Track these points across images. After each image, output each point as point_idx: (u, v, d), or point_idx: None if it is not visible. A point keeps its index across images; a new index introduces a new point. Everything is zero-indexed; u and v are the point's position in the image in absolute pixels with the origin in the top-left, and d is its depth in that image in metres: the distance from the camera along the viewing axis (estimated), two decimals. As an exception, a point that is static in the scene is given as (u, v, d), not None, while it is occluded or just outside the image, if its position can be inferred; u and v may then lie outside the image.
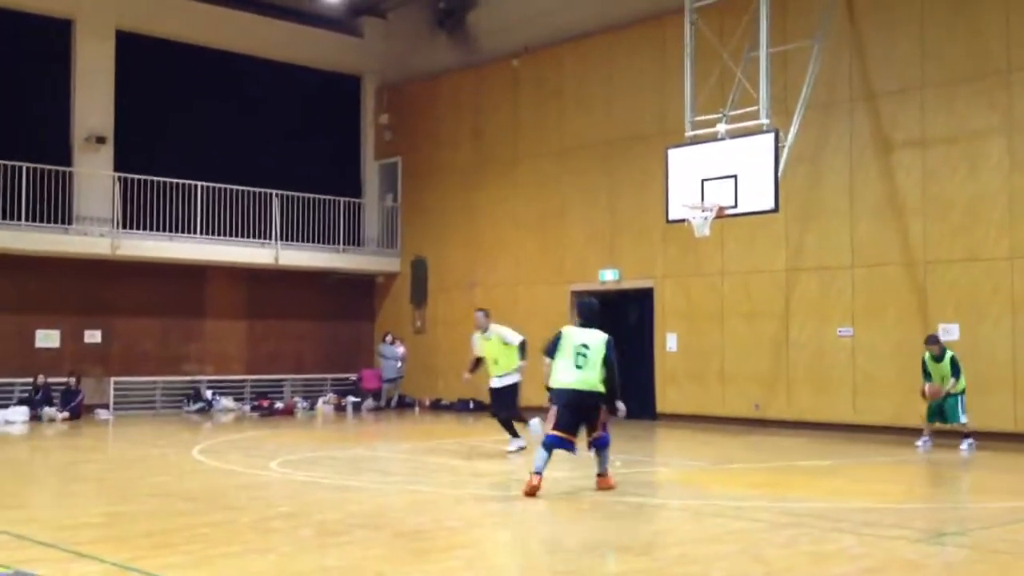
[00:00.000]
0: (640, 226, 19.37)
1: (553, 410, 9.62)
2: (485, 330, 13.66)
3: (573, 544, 7.37)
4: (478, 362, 13.80)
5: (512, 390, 13.50)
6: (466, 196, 22.97)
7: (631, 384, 19.44)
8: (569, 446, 9.56)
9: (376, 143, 25.30)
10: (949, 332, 15.32)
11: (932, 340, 14.32)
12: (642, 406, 19.10)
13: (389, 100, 25.04)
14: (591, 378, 9.62)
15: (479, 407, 21.84)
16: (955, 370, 14.03)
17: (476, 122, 22.96)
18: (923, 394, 14.22)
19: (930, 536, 7.70)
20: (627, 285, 19.84)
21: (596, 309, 10.22)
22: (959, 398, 14.10)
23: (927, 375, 14.22)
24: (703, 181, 14.95)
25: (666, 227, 17.05)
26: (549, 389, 9.74)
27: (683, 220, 15.27)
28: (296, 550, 7.04)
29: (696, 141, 15.52)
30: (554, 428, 9.48)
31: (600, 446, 9.78)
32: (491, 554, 6.92)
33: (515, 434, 13.46)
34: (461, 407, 22.05)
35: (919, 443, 14.19)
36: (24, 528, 7.67)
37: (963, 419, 14.07)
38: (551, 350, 9.80)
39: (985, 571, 6.40)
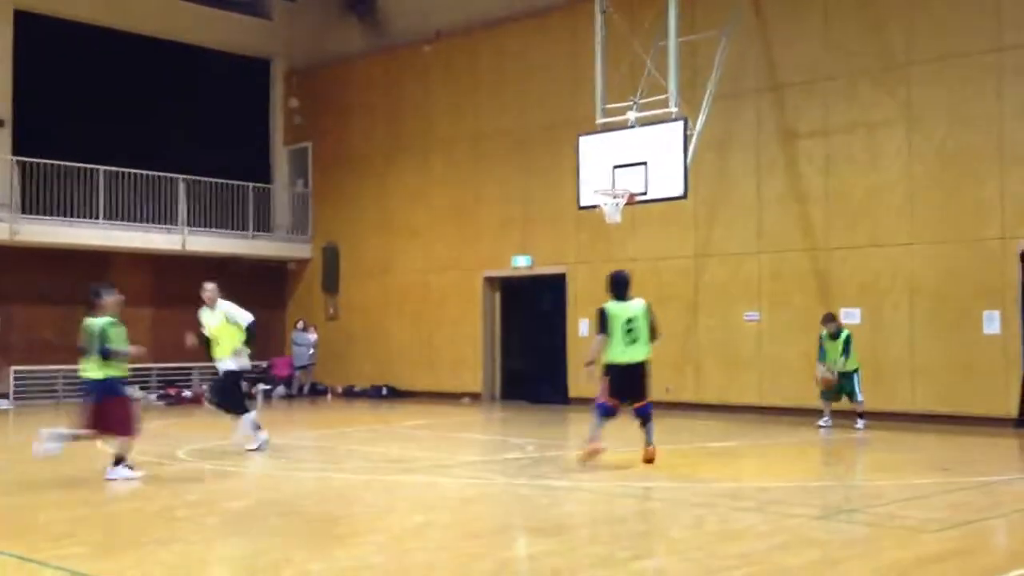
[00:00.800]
0: (553, 213, 19.48)
1: (605, 381, 10.30)
2: (213, 305, 12.22)
3: (484, 527, 7.41)
4: (204, 340, 12.41)
5: (233, 378, 12.13)
6: (379, 182, 22.81)
7: (545, 369, 19.73)
8: (615, 412, 10.36)
9: (286, 128, 24.94)
10: (851, 316, 15.77)
11: (828, 319, 14.69)
12: (555, 390, 19.28)
13: (299, 84, 24.70)
14: (641, 350, 10.36)
15: (392, 393, 21.78)
16: (846, 349, 14.39)
17: (388, 108, 22.78)
18: (816, 381, 14.62)
19: (832, 513, 7.93)
20: (540, 271, 19.95)
21: (629, 279, 10.80)
22: (855, 376, 14.50)
23: (823, 353, 14.55)
24: (614, 168, 15.10)
25: (578, 214, 17.18)
26: (605, 365, 10.32)
27: (595, 206, 15.40)
28: (203, 539, 6.94)
29: (607, 129, 15.66)
30: (607, 397, 10.25)
31: (645, 416, 10.40)
32: (403, 539, 6.91)
33: (257, 427, 11.98)
34: (374, 393, 21.96)
35: (821, 423, 14.58)
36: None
37: (860, 398, 14.49)
38: (604, 327, 10.29)
39: (884, 546, 6.62)
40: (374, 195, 22.88)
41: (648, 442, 10.41)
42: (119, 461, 9.57)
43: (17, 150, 20.24)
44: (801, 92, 16.72)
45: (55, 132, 20.69)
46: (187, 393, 21.68)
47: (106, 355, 9.49)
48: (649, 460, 10.30)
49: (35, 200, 19.94)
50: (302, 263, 24.38)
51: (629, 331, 10.24)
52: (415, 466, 10.81)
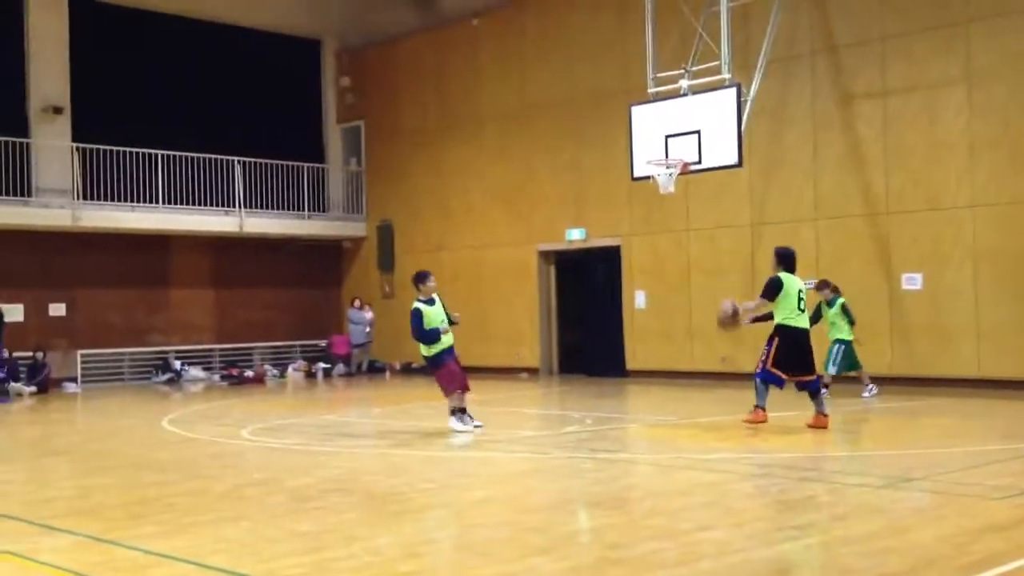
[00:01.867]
0: (606, 184, 19.38)
1: (774, 344, 10.61)
2: None
3: (544, 501, 7.44)
4: None
5: None
6: (431, 159, 22.86)
7: (602, 342, 19.70)
8: (782, 383, 10.72)
9: (338, 107, 25.07)
10: (912, 281, 15.51)
11: (823, 285, 14.40)
12: (611, 363, 19.25)
13: (350, 63, 24.79)
14: (807, 321, 10.98)
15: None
16: (844, 316, 14.15)
17: (439, 84, 22.79)
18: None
19: (895, 481, 7.84)
20: (594, 243, 19.88)
21: (795, 254, 11.25)
22: (839, 346, 14.18)
23: (817, 319, 14.02)
24: (667, 137, 14.97)
25: (632, 185, 17.08)
26: (778, 326, 10.71)
27: (648, 177, 15.29)
28: (269, 516, 7.06)
29: (659, 98, 15.51)
30: (772, 366, 10.60)
31: (814, 390, 10.76)
32: (464, 514, 6.98)
33: None
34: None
35: (865, 394, 14.34)
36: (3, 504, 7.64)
37: (831, 369, 14.13)
38: (774, 294, 10.74)
39: (949, 514, 6.53)
40: (427, 172, 22.94)
41: (821, 412, 10.80)
42: (456, 412, 11.34)
43: (76, 137, 20.60)
44: (857, 53, 16.39)
45: (113, 118, 20.99)
46: (249, 373, 22.01)
47: (427, 337, 11.14)
48: (821, 427, 10.71)
49: (96, 186, 20.31)
50: (357, 242, 24.57)
51: (801, 299, 10.81)
52: (474, 441, 10.87)
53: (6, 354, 18.11)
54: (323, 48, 25.08)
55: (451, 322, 11.46)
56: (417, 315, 11.14)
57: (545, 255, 20.90)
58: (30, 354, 19.38)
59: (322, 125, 25.11)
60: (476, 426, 11.32)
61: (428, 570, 5.54)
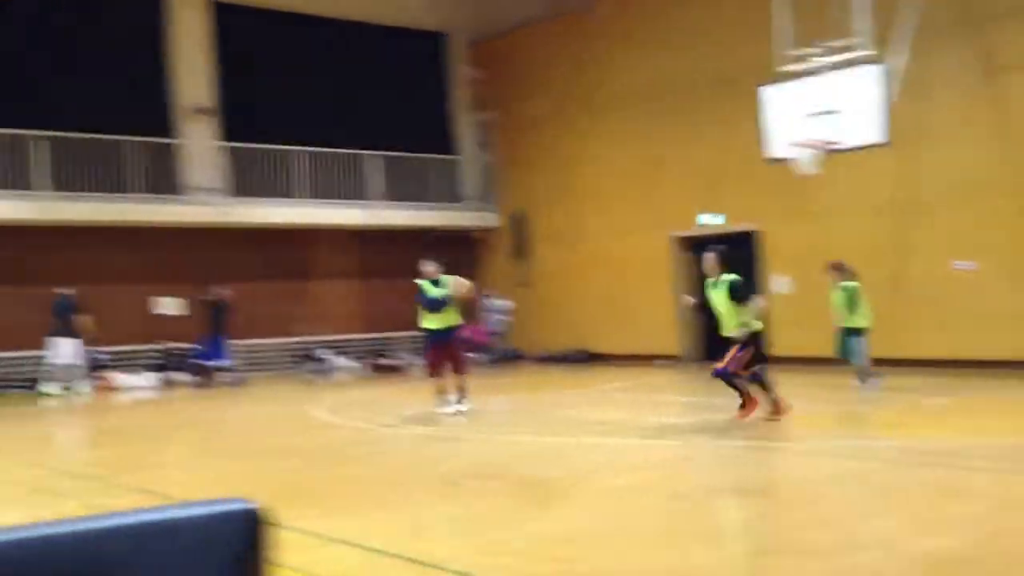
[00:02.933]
0: (740, 167, 19.05)
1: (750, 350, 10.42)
2: None
3: (690, 489, 7.41)
4: None
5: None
6: (562, 146, 22.89)
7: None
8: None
9: (468, 98, 25.35)
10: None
11: (834, 267, 13.67)
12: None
13: (479, 55, 25.03)
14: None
15: (587, 357, 21.95)
16: (851, 302, 13.29)
17: (568, 72, 22.79)
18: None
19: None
20: (729, 228, 19.58)
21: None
22: (857, 335, 13.33)
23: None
24: (804, 117, 14.63)
25: (767, 167, 16.75)
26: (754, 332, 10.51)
27: (785, 159, 14.99)
28: (423, 501, 7.25)
29: (795, 76, 15.14)
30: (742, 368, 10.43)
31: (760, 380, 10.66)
32: (610, 501, 7.01)
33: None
34: (568, 358, 22.18)
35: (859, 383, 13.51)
36: (162, 486, 8.04)
37: (858, 359, 13.40)
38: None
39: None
40: (558, 160, 22.99)
41: (757, 398, 10.63)
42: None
43: (223, 136, 21.44)
44: (1007, 23, 15.66)
45: (255, 117, 21.69)
46: (391, 362, 22.49)
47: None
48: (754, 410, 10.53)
49: (242, 183, 21.10)
50: (490, 231, 24.82)
51: None
52: (616, 429, 10.90)
53: (226, 342, 19.20)
54: (452, 41, 25.38)
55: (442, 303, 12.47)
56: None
57: (679, 241, 20.70)
58: (188, 346, 20.28)
59: (454, 117, 25.44)
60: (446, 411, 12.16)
61: (584, 556, 5.59)
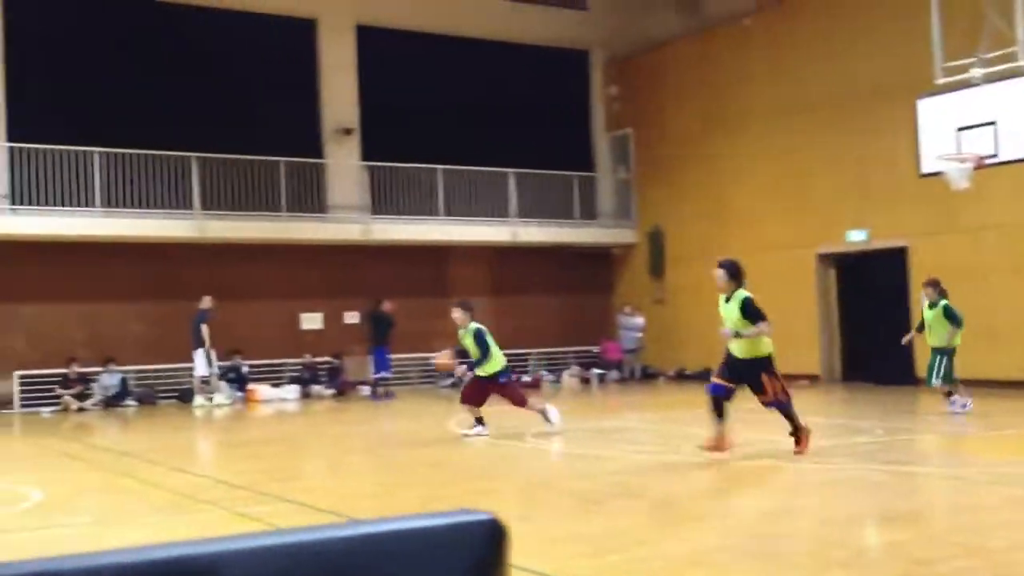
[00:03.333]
0: (889, 182, 18.43)
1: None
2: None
3: (838, 513, 7.15)
4: None
5: None
6: (701, 163, 22.60)
7: (888, 348, 18.70)
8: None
9: (606, 116, 25.32)
10: None
11: (929, 283, 13.09)
12: (899, 370, 18.24)
13: (617, 71, 24.97)
14: None
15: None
16: (953, 320, 12.73)
17: (708, 87, 22.51)
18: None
19: None
20: (877, 245, 18.94)
21: None
22: (942, 355, 12.74)
23: (921, 323, 13.05)
24: (958, 130, 14.04)
25: (917, 182, 16.13)
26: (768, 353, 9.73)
27: (938, 173, 14.40)
28: (555, 517, 7.21)
29: (948, 89, 14.56)
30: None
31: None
32: (752, 523, 6.83)
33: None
34: (706, 376, 21.78)
35: (952, 407, 12.90)
36: (305, 497, 8.22)
37: (933, 381, 12.81)
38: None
39: None
40: (697, 176, 22.70)
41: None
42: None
43: (365, 156, 21.98)
44: None
45: (397, 136, 22.19)
46: (525, 378, 22.55)
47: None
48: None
49: (383, 201, 21.60)
50: (627, 248, 24.67)
51: None
52: (756, 449, 10.62)
53: (390, 354, 19.83)
54: (591, 59, 25.41)
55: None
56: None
57: (825, 258, 20.14)
58: (328, 359, 20.83)
59: (591, 134, 25.44)
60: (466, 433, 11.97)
61: (723, 578, 5.46)
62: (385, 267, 22.18)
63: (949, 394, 13.15)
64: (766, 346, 9.50)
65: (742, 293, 9.60)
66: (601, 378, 23.22)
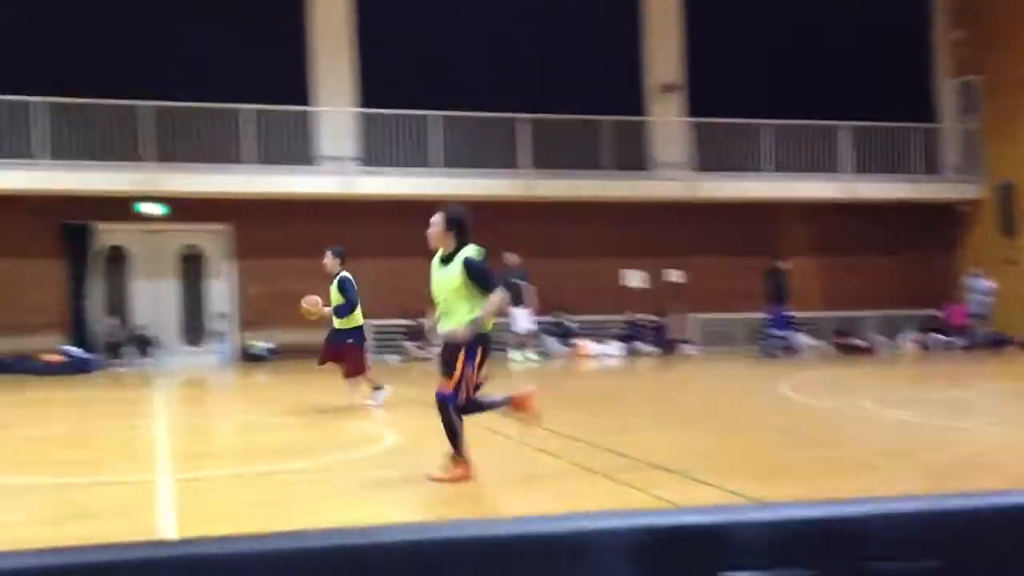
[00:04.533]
0: None
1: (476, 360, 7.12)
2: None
3: None
4: None
5: None
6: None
7: None
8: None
9: (951, 62, 23.36)
10: None
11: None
12: None
13: (963, 15, 22.93)
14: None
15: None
16: None
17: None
18: None
19: None
20: None
21: None
22: None
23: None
24: None
25: None
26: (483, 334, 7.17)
27: None
28: (905, 489, 6.75)
29: None
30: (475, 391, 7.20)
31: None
32: None
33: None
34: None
35: None
36: (631, 450, 8.19)
37: None
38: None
39: None
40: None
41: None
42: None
43: (691, 111, 21.67)
44: None
45: (723, 92, 21.48)
46: (859, 342, 21.44)
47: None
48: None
49: (710, 157, 21.25)
50: (973, 204, 22.76)
51: None
52: None
53: (791, 313, 19.79)
54: (932, 1, 23.52)
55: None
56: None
57: None
58: (651, 317, 20.87)
59: (933, 82, 23.59)
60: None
61: None
62: (709, 225, 21.82)
63: None
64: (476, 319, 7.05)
65: (467, 251, 7.18)
66: (944, 344, 21.65)
